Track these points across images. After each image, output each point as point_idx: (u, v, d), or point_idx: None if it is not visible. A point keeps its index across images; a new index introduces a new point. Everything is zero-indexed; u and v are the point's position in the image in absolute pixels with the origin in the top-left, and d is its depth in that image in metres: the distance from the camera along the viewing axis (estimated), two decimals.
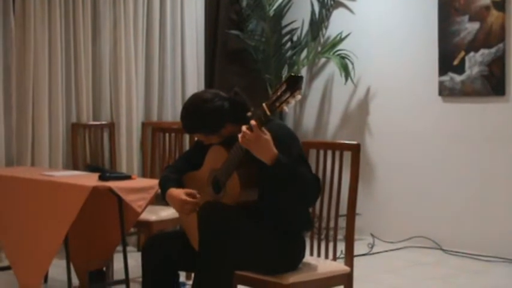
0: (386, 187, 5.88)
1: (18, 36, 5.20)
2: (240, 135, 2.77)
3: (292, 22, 6.37)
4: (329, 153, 3.34)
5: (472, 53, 5.31)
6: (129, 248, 4.64)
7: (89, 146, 5.51)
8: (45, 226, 3.80)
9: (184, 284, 4.11)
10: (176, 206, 3.10)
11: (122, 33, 5.64)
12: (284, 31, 6.38)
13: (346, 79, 5.83)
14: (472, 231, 5.32)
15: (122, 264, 3.93)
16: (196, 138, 3.21)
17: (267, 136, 2.78)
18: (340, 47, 5.96)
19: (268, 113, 2.72)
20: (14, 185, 4.07)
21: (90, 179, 3.83)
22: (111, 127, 5.63)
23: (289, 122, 6.46)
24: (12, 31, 5.17)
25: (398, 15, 5.80)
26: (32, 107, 5.25)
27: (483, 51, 5.24)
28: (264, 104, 2.73)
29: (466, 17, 5.33)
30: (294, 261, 3.05)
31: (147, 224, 4.24)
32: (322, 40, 6.29)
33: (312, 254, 3.33)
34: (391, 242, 5.64)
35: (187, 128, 3.11)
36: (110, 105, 5.68)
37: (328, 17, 6.24)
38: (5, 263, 4.49)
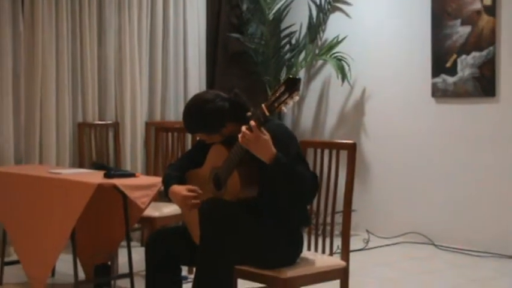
0: (381, 185, 5.88)
1: (26, 39, 5.20)
2: (240, 135, 2.78)
3: (290, 26, 6.37)
4: (326, 152, 3.34)
5: (463, 56, 5.30)
6: (133, 243, 4.64)
7: (95, 144, 5.51)
8: (53, 222, 3.80)
9: (186, 278, 4.11)
10: (178, 202, 3.10)
11: (127, 37, 5.64)
12: (283, 34, 6.38)
13: (343, 81, 5.83)
14: (463, 228, 5.33)
15: (126, 259, 3.93)
16: (198, 138, 3.20)
17: (266, 136, 2.78)
18: (336, 49, 5.96)
19: (267, 113, 2.72)
20: (22, 182, 4.06)
21: (96, 177, 3.83)
22: (116, 127, 5.63)
23: (288, 122, 6.45)
24: (21, 34, 5.17)
25: (393, 20, 5.80)
26: (40, 108, 5.25)
27: (474, 54, 5.24)
28: (263, 105, 2.73)
29: (458, 21, 5.32)
30: (292, 256, 3.04)
31: (151, 220, 4.24)
32: (319, 43, 6.29)
33: (309, 249, 3.33)
34: (386, 238, 5.64)
35: (189, 128, 3.11)
36: (115, 106, 5.68)
37: (325, 21, 6.24)
38: (14, 257, 4.49)
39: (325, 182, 3.30)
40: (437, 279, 4.50)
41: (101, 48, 5.60)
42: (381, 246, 5.44)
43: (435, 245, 5.39)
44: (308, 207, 3.23)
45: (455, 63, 5.35)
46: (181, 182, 3.16)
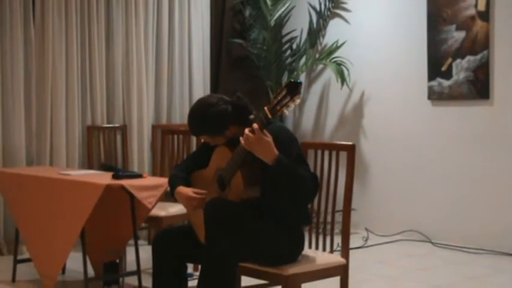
0: (379, 185, 5.87)
1: (37, 46, 5.21)
2: (243, 138, 2.78)
3: (291, 31, 6.37)
4: (326, 153, 3.33)
5: (458, 60, 5.30)
6: (140, 242, 4.64)
7: (103, 146, 5.51)
8: (63, 221, 3.80)
9: (191, 275, 4.11)
10: (184, 202, 3.10)
11: (134, 42, 5.65)
12: (284, 40, 6.38)
13: (342, 84, 5.82)
14: (460, 226, 5.32)
15: (133, 257, 3.93)
16: (202, 140, 3.20)
17: (269, 138, 2.78)
18: (336, 54, 5.96)
19: (269, 116, 2.72)
20: (33, 183, 4.07)
21: (104, 178, 3.83)
22: (124, 129, 5.63)
23: (289, 124, 6.45)
24: (32, 41, 5.18)
25: (391, 25, 5.79)
26: (50, 111, 5.26)
27: (469, 58, 5.23)
28: (265, 108, 2.73)
29: (453, 26, 5.32)
30: (294, 253, 3.04)
31: (157, 219, 4.23)
32: (319, 48, 6.28)
33: (310, 246, 3.33)
34: (384, 236, 5.63)
35: (194, 131, 3.11)
36: (123, 109, 5.68)
37: (325, 27, 6.24)
38: (26, 255, 4.49)
39: (325, 182, 3.30)
40: (434, 276, 4.49)
41: (109, 54, 5.60)
42: (379, 244, 5.43)
43: (432, 243, 5.38)
44: (309, 206, 3.23)
45: (450, 67, 5.35)
46: (187, 183, 3.16)
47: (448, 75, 5.36)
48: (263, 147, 2.76)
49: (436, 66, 5.43)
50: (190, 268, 3.92)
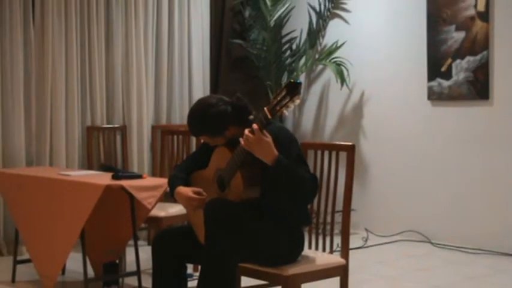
0: (379, 185, 5.87)
1: (37, 47, 5.21)
2: (243, 138, 2.77)
3: (291, 32, 6.37)
4: (326, 153, 3.33)
5: (458, 60, 5.30)
6: (140, 242, 4.64)
7: (103, 147, 5.51)
8: (63, 222, 3.80)
9: (191, 275, 4.11)
10: (184, 203, 3.10)
11: (133, 43, 5.65)
12: (284, 40, 6.38)
13: (342, 84, 5.82)
14: (458, 226, 5.32)
15: (133, 257, 3.92)
16: (202, 140, 3.20)
17: (268, 138, 2.78)
18: (336, 54, 5.96)
19: (269, 116, 2.72)
20: (33, 183, 4.07)
21: (104, 178, 3.83)
22: (124, 130, 5.63)
23: (289, 125, 6.45)
24: (32, 42, 5.18)
25: (390, 26, 5.79)
26: (50, 112, 5.26)
27: (469, 58, 5.23)
28: (265, 108, 2.73)
29: (453, 27, 5.32)
30: (294, 254, 3.04)
31: (157, 219, 4.23)
32: (319, 48, 6.28)
33: (310, 247, 3.33)
34: (384, 236, 5.63)
35: (194, 131, 3.11)
36: (122, 110, 5.68)
37: (324, 27, 6.24)
38: (26, 256, 4.50)
39: (325, 183, 3.29)
40: (434, 276, 4.49)
41: (109, 54, 5.60)
42: (379, 245, 5.43)
43: (432, 243, 5.38)
44: (309, 206, 3.23)
45: (450, 67, 5.35)
46: (187, 183, 3.16)
47: (447, 75, 5.36)
48: (263, 147, 2.76)
49: (436, 67, 5.43)
50: (190, 268, 3.92)
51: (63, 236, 3.78)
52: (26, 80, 5.17)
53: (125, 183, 3.71)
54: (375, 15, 5.90)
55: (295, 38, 6.35)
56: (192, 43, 6.01)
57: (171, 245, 3.10)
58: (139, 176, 3.94)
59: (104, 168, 4.51)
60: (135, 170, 5.57)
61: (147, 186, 3.79)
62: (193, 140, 5.19)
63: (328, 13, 6.18)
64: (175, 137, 4.80)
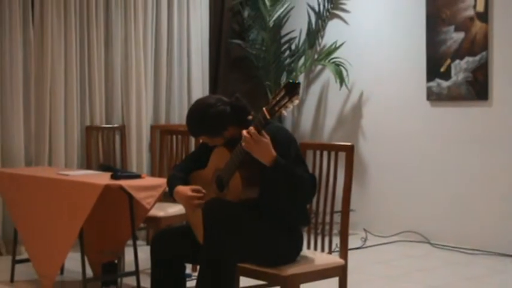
0: (378, 185, 5.87)
1: (36, 47, 5.21)
2: (242, 139, 2.77)
3: (290, 32, 6.37)
4: (325, 153, 3.33)
5: (457, 61, 5.30)
6: (138, 242, 4.63)
7: (102, 147, 5.51)
8: (61, 221, 3.80)
9: (190, 275, 4.11)
10: (183, 202, 3.10)
11: (133, 43, 5.64)
12: (283, 40, 6.38)
13: (341, 85, 5.82)
14: (457, 227, 5.32)
15: (132, 257, 3.92)
16: (201, 140, 3.20)
17: (267, 139, 2.78)
18: (335, 55, 5.96)
19: (268, 116, 2.71)
20: (32, 183, 4.06)
21: (103, 178, 3.83)
22: (123, 130, 5.63)
23: (288, 125, 6.45)
24: (31, 42, 5.18)
25: (389, 26, 5.80)
26: (49, 112, 5.25)
27: (468, 58, 5.23)
28: (264, 108, 2.73)
29: (452, 27, 5.32)
30: (293, 254, 3.04)
31: (156, 219, 4.23)
32: (318, 48, 6.29)
33: (309, 247, 3.33)
34: (383, 236, 5.63)
35: (193, 132, 3.11)
36: (121, 110, 5.68)
37: (324, 27, 6.24)
38: (25, 255, 4.49)
39: (324, 183, 3.29)
40: (432, 277, 4.50)
41: (108, 54, 5.60)
42: (378, 245, 5.43)
43: (430, 244, 5.38)
44: (307, 207, 3.22)
45: (449, 68, 5.35)
46: (186, 183, 3.15)
47: (446, 76, 5.37)
48: (261, 148, 2.76)
49: (435, 67, 5.43)
50: (188, 268, 3.91)
51: (62, 236, 3.78)
52: (25, 80, 5.17)
53: (123, 183, 3.71)
54: (374, 16, 5.91)
55: (294, 38, 6.35)
56: (191, 43, 6.01)
57: (170, 245, 3.10)
58: (138, 176, 3.94)
59: (103, 168, 4.50)
60: (134, 169, 5.57)
61: (146, 186, 3.79)
62: (192, 140, 5.18)
63: (328, 13, 6.19)
64: (174, 137, 4.80)
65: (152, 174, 5.56)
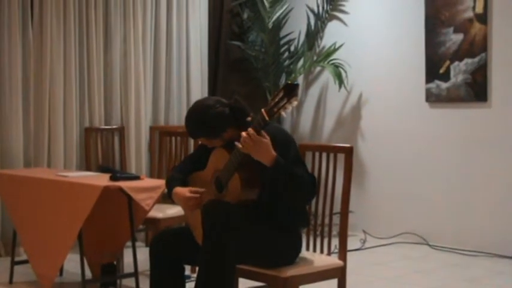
0: (377, 187, 5.88)
1: (36, 48, 5.21)
2: (240, 141, 2.77)
3: (289, 33, 6.37)
4: (324, 155, 3.33)
5: (456, 62, 5.31)
6: (138, 244, 4.64)
7: (101, 148, 5.51)
8: (60, 223, 3.80)
9: (189, 277, 4.11)
10: (181, 203, 3.10)
11: (132, 44, 5.65)
12: (282, 42, 6.38)
13: (340, 86, 5.83)
14: (457, 228, 5.32)
15: (131, 258, 3.93)
16: (200, 142, 3.20)
17: (267, 139, 2.78)
18: (334, 56, 5.96)
19: (267, 118, 2.71)
20: (31, 184, 4.06)
21: (102, 179, 3.83)
22: (122, 131, 5.63)
23: (287, 126, 6.45)
24: (31, 43, 5.18)
25: (388, 27, 5.80)
26: (48, 113, 5.25)
27: (467, 60, 5.24)
28: (263, 110, 2.73)
29: (451, 29, 5.33)
30: (292, 255, 3.04)
31: (155, 221, 4.23)
32: (317, 50, 6.29)
33: (308, 249, 3.33)
34: (382, 238, 5.63)
35: (191, 133, 3.10)
36: (121, 111, 5.68)
37: (323, 29, 6.25)
38: (24, 256, 4.49)
39: (323, 185, 3.30)
40: (431, 278, 4.50)
41: (107, 56, 5.60)
42: (377, 246, 5.43)
43: (429, 245, 5.39)
44: (307, 208, 3.23)
45: (448, 69, 5.36)
46: (185, 184, 3.15)
47: (446, 77, 5.37)
48: (261, 148, 2.76)
49: (434, 69, 5.43)
50: (187, 270, 3.91)
51: (61, 237, 3.78)
52: (24, 81, 5.16)
53: (123, 184, 3.71)
54: (373, 17, 5.91)
55: (293, 39, 6.36)
56: (191, 44, 6.02)
57: (169, 246, 3.09)
58: (137, 177, 3.94)
59: (102, 169, 4.51)
60: (133, 171, 5.57)
61: (145, 188, 3.80)
62: (191, 141, 5.18)
63: (327, 15, 6.19)
64: (173, 138, 4.80)
65: (151, 175, 5.56)
